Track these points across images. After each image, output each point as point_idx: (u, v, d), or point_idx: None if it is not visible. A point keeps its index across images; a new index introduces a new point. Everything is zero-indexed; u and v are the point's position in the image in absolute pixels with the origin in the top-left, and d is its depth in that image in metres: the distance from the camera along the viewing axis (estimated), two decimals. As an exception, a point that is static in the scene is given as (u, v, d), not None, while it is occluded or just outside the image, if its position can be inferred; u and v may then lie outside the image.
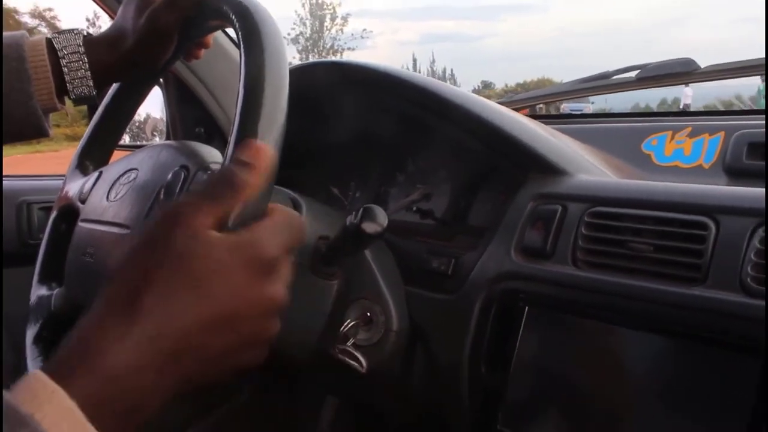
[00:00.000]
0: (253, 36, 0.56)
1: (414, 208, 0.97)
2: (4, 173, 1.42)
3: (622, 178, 0.84)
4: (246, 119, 0.51)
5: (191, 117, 1.35)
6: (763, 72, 1.13)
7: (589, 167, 0.79)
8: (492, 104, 0.90)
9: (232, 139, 0.51)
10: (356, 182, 1.11)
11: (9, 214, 1.25)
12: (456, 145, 0.93)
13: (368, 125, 1.02)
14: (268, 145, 0.49)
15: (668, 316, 0.59)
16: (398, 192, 1.04)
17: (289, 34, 40.05)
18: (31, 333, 0.78)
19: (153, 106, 1.41)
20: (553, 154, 0.77)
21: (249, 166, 0.46)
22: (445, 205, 0.95)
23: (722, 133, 0.96)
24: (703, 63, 1.14)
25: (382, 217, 0.66)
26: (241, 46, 0.56)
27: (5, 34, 0.72)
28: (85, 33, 0.74)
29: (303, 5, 40.32)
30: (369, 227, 0.66)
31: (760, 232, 0.57)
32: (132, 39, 0.73)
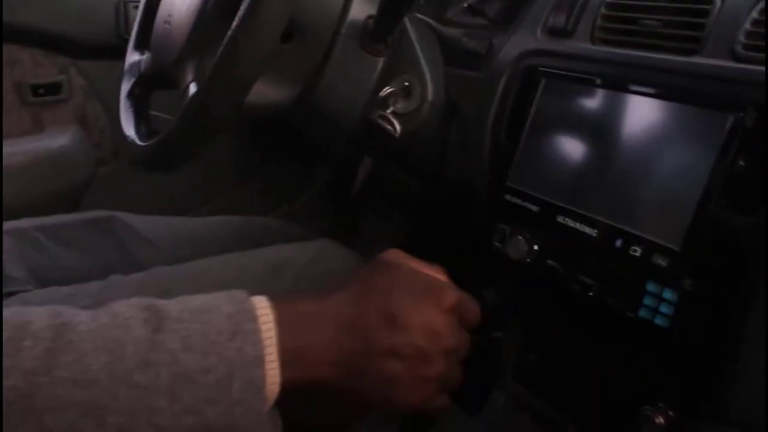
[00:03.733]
0: None
1: (466, 5, 1.02)
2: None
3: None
4: None
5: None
6: None
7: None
8: None
9: None
10: None
11: (108, 12, 1.38)
12: None
13: None
14: None
15: (669, 83, 0.65)
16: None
17: None
18: (124, 89, 0.90)
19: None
20: None
21: None
22: (497, 8, 1.00)
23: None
24: None
25: None
26: None
27: None
28: None
29: None
30: None
31: (762, 4, 0.62)
32: None
